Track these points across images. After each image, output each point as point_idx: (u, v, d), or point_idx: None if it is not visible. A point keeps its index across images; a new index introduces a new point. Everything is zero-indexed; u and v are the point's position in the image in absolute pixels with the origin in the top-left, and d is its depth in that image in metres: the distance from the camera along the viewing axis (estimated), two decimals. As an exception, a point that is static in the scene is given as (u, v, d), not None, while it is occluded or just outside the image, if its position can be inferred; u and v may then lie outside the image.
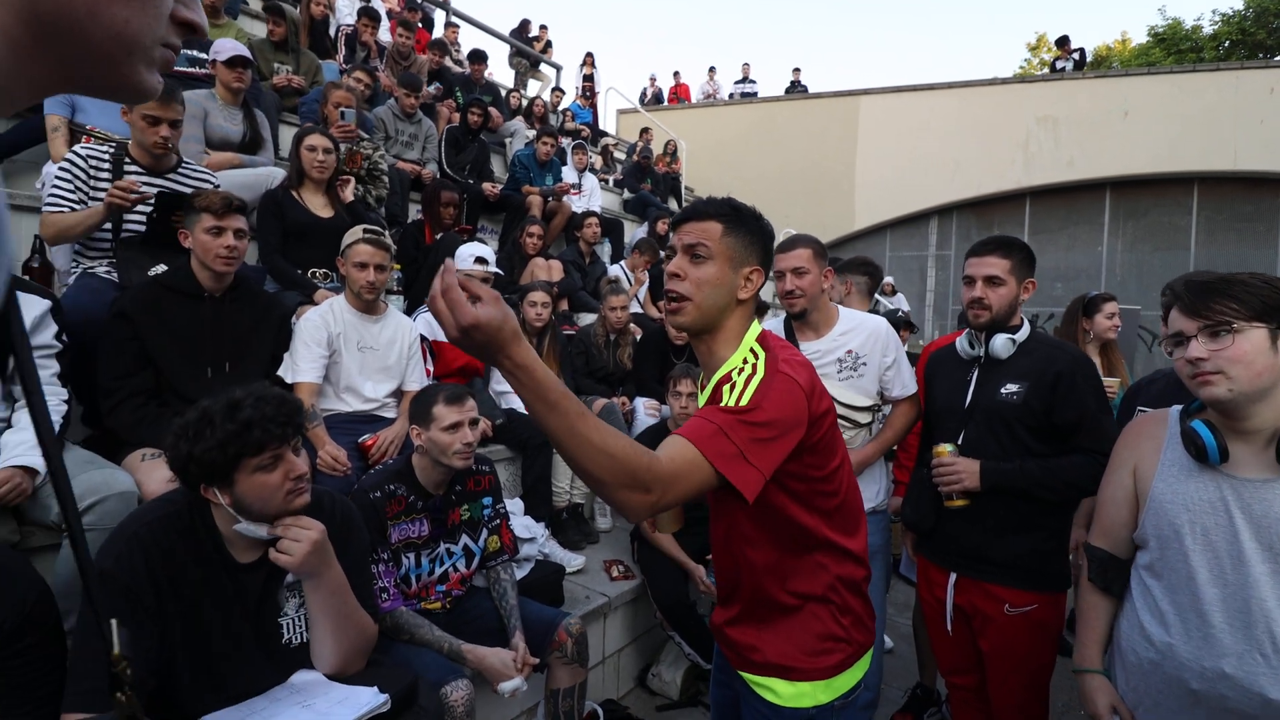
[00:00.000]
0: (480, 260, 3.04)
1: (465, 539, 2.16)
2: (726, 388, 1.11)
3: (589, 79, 11.80)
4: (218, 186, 2.62)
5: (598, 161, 8.90)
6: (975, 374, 1.91)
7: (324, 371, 2.41)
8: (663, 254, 5.51)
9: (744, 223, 1.18)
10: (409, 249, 3.84)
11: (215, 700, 1.39)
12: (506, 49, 10.47)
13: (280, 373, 2.30)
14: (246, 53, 3.24)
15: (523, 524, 2.67)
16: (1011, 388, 1.81)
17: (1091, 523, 1.50)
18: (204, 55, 3.73)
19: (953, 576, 1.90)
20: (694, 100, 13.61)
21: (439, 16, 9.33)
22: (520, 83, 10.54)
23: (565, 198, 5.74)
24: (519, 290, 3.86)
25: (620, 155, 9.74)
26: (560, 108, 9.41)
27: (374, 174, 3.74)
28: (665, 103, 13.63)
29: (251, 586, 1.46)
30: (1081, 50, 10.87)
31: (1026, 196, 10.02)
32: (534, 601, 2.25)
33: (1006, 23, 74.16)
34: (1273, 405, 1.19)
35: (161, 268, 2.33)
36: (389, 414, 2.58)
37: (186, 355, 2.10)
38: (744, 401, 1.06)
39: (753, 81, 13.04)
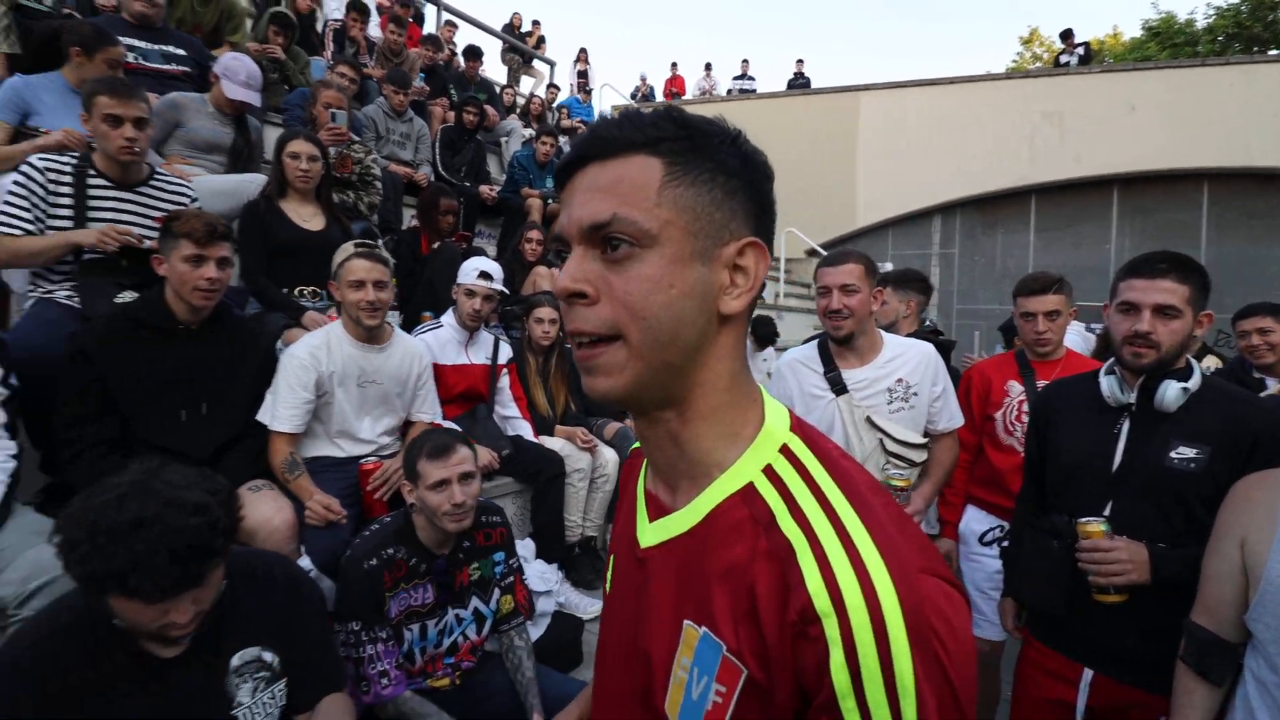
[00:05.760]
0: (484, 275, 2.78)
1: (475, 601, 1.92)
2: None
3: (583, 75, 11.53)
4: (195, 200, 2.35)
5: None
6: (1125, 426, 1.53)
7: (308, 418, 2.12)
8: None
9: (703, 147, 0.54)
10: (404, 259, 3.57)
11: None
12: (499, 45, 10.16)
13: (260, 416, 2.04)
14: (256, 97, 3.00)
15: (537, 573, 2.43)
16: (1186, 452, 1.43)
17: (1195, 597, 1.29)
18: (182, 53, 3.44)
19: (1088, 674, 1.56)
20: (688, 94, 13.35)
21: (430, 12, 9.02)
22: (513, 79, 10.25)
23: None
24: (522, 302, 3.61)
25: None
26: (556, 104, 9.12)
27: (366, 179, 3.47)
28: (661, 99, 13.35)
29: (188, 684, 1.21)
30: (1086, 45, 10.70)
31: (1032, 194, 9.84)
32: (553, 671, 2.02)
33: (996, 16, 74.14)
34: None
35: (129, 295, 2.06)
36: (390, 455, 2.32)
37: (156, 398, 1.84)
38: (907, 717, 0.46)
39: (751, 78, 12.79)
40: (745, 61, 12.84)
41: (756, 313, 5.26)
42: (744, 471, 0.55)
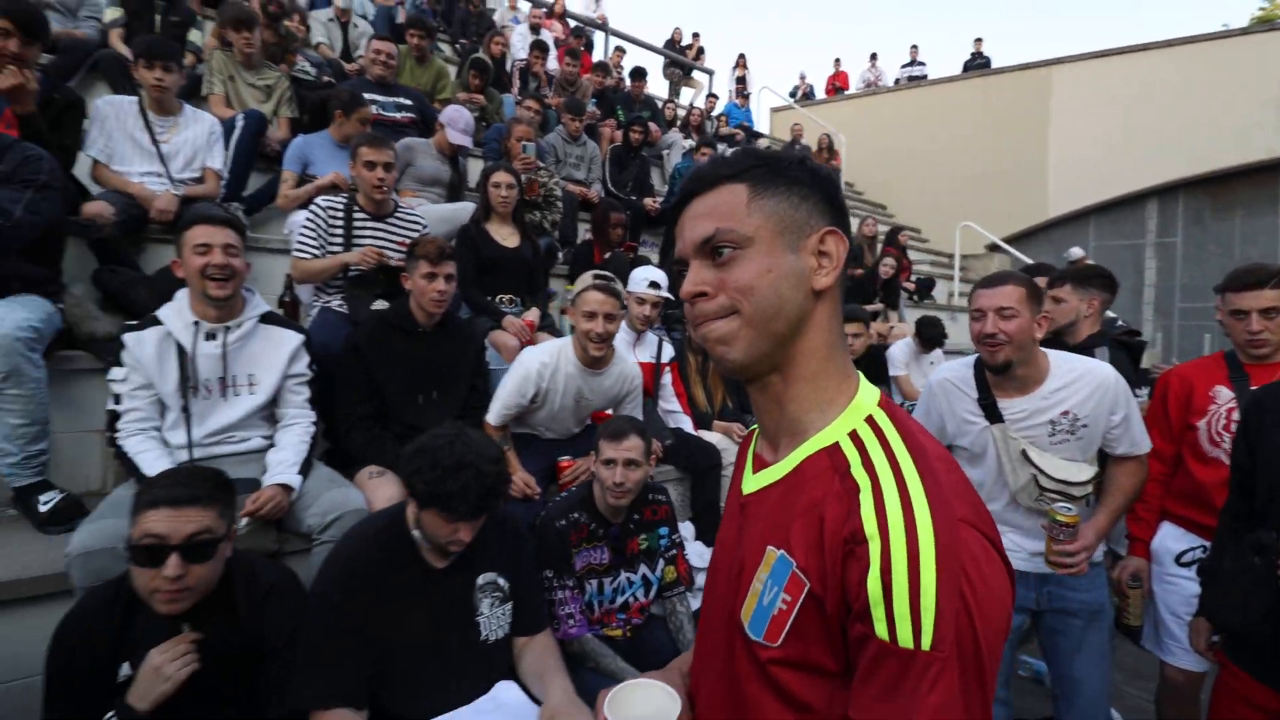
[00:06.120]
0: (654, 285, 3.07)
1: (643, 568, 2.19)
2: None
3: (741, 80, 11.66)
4: (426, 228, 2.91)
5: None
6: None
7: (516, 415, 2.46)
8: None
9: (776, 169, 0.70)
10: (581, 269, 4.01)
11: (426, 700, 1.54)
12: (661, 61, 10.65)
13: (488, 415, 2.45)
14: (470, 141, 3.68)
15: (696, 551, 2.65)
16: None
17: None
18: (409, 102, 4.21)
19: None
20: (852, 88, 12.88)
21: (598, 38, 9.75)
22: (674, 92, 10.68)
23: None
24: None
25: (776, 156, 9.46)
26: (715, 113, 9.36)
27: (549, 200, 3.96)
28: (823, 96, 13.05)
29: (449, 590, 1.63)
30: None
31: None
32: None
33: (1246, -46, 61.29)
34: None
35: (382, 304, 2.63)
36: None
37: (404, 385, 2.35)
38: (926, 633, 0.55)
39: (921, 64, 12.03)
40: (914, 48, 12.12)
41: (923, 313, 5.04)
42: (833, 433, 0.68)
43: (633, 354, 3.20)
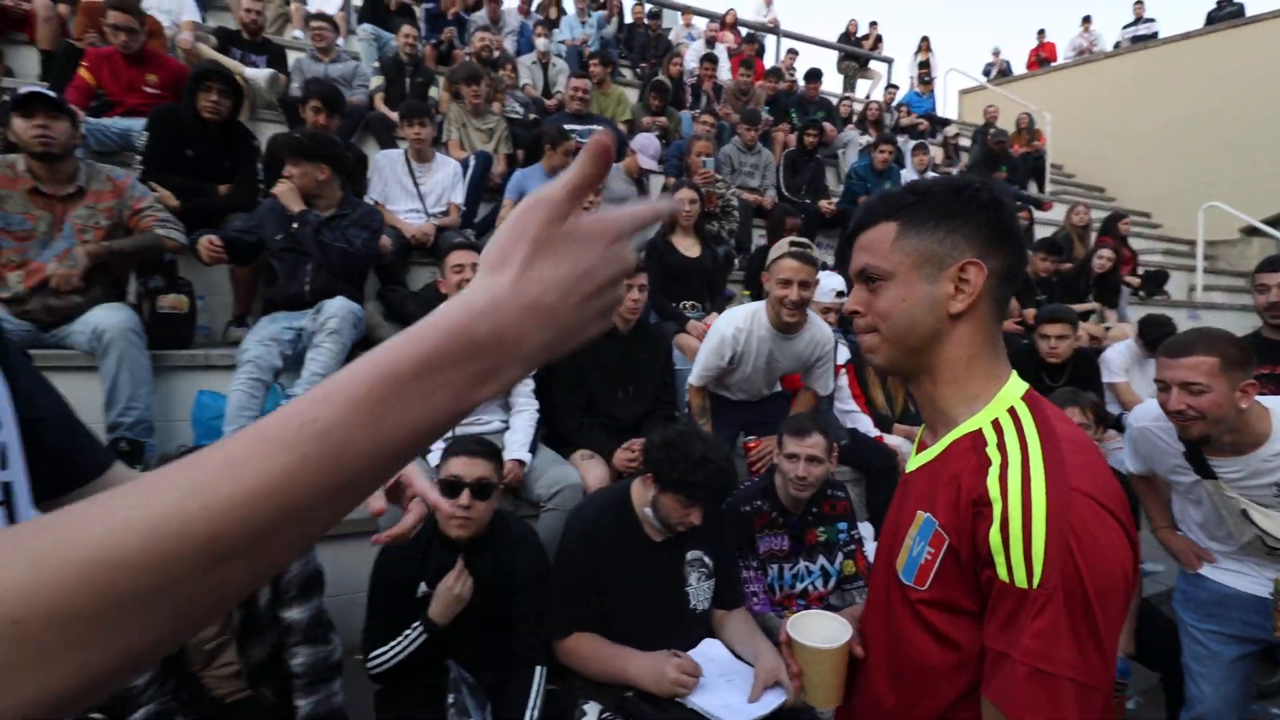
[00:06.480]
0: (841, 295, 3.16)
1: (822, 560, 2.31)
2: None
3: (924, 65, 10.91)
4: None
5: (939, 156, 8.21)
6: None
7: (716, 377, 2.67)
8: (1029, 253, 4.82)
9: (930, 205, 0.83)
10: (756, 274, 4.19)
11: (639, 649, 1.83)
12: (835, 56, 10.39)
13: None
14: (656, 165, 4.07)
15: (873, 550, 2.70)
16: None
17: None
18: (600, 128, 4.70)
19: None
20: (1060, 59, 11.44)
21: (769, 41, 9.79)
22: (849, 85, 10.35)
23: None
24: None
25: (967, 143, 8.79)
26: (894, 104, 8.95)
27: (727, 210, 4.19)
28: (1023, 71, 11.77)
29: (662, 561, 1.90)
30: None
31: None
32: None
33: None
34: None
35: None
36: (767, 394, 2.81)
37: (606, 381, 2.72)
38: (1036, 574, 0.69)
39: (1149, 20, 10.36)
40: (1139, 3, 10.46)
41: (1148, 312, 4.42)
42: (977, 422, 0.82)
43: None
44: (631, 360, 2.76)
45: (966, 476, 0.77)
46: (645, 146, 3.92)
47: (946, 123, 9.47)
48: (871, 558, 2.67)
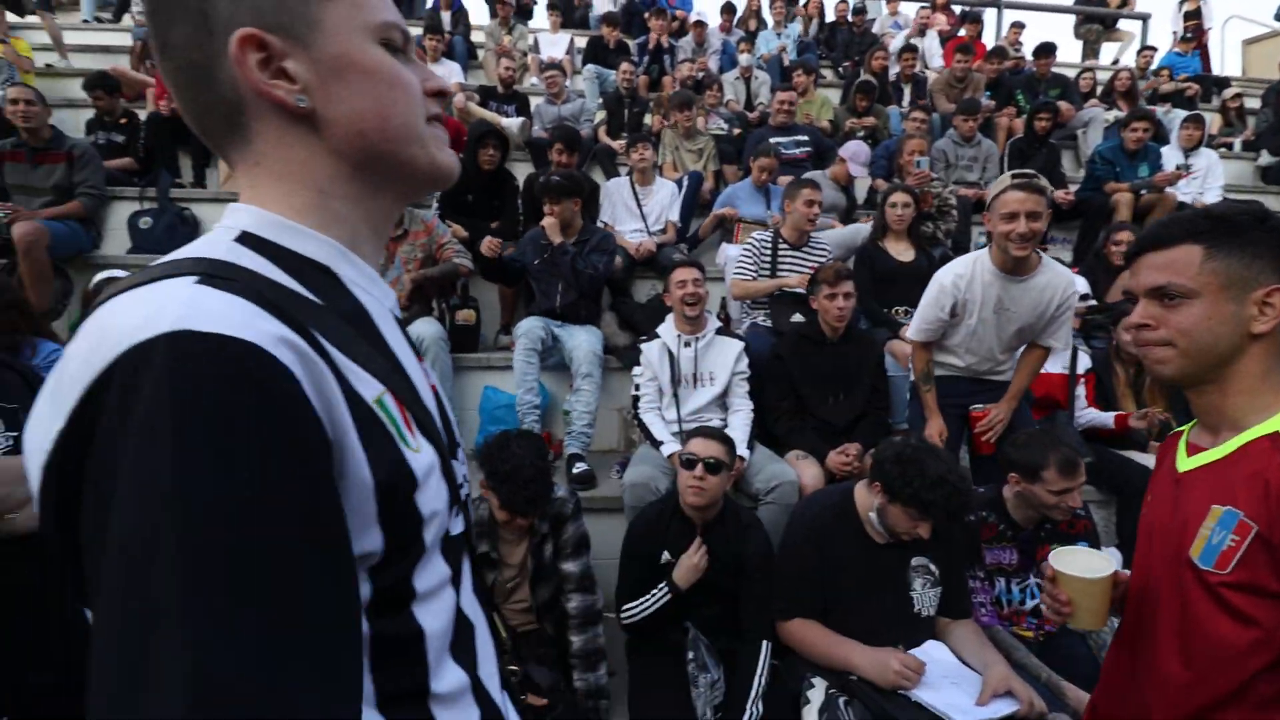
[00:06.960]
0: (1084, 298, 2.93)
1: (1058, 576, 2.20)
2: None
3: (1193, 16, 8.99)
4: (830, 254, 3.39)
5: (1215, 124, 6.86)
6: None
7: (939, 333, 2.47)
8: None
9: (1239, 232, 0.90)
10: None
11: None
12: (1071, 22, 9.11)
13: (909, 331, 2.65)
14: (866, 173, 4.18)
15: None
16: None
17: None
18: (806, 138, 4.80)
19: None
20: None
21: (988, 15, 8.90)
22: (1090, 53, 9.00)
23: (1169, 187, 4.73)
24: (1108, 311, 3.49)
25: (1254, 104, 7.20)
26: (1151, 69, 7.63)
27: (943, 209, 4.03)
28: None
29: (884, 563, 1.97)
30: None
31: None
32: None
33: None
34: None
35: (798, 317, 3.19)
36: (1000, 377, 2.56)
37: (817, 387, 2.85)
38: None
39: None
40: None
41: None
42: (1272, 424, 0.91)
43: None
44: (841, 366, 2.85)
45: (1274, 474, 0.86)
46: (856, 154, 3.95)
47: (1226, 82, 7.84)
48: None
